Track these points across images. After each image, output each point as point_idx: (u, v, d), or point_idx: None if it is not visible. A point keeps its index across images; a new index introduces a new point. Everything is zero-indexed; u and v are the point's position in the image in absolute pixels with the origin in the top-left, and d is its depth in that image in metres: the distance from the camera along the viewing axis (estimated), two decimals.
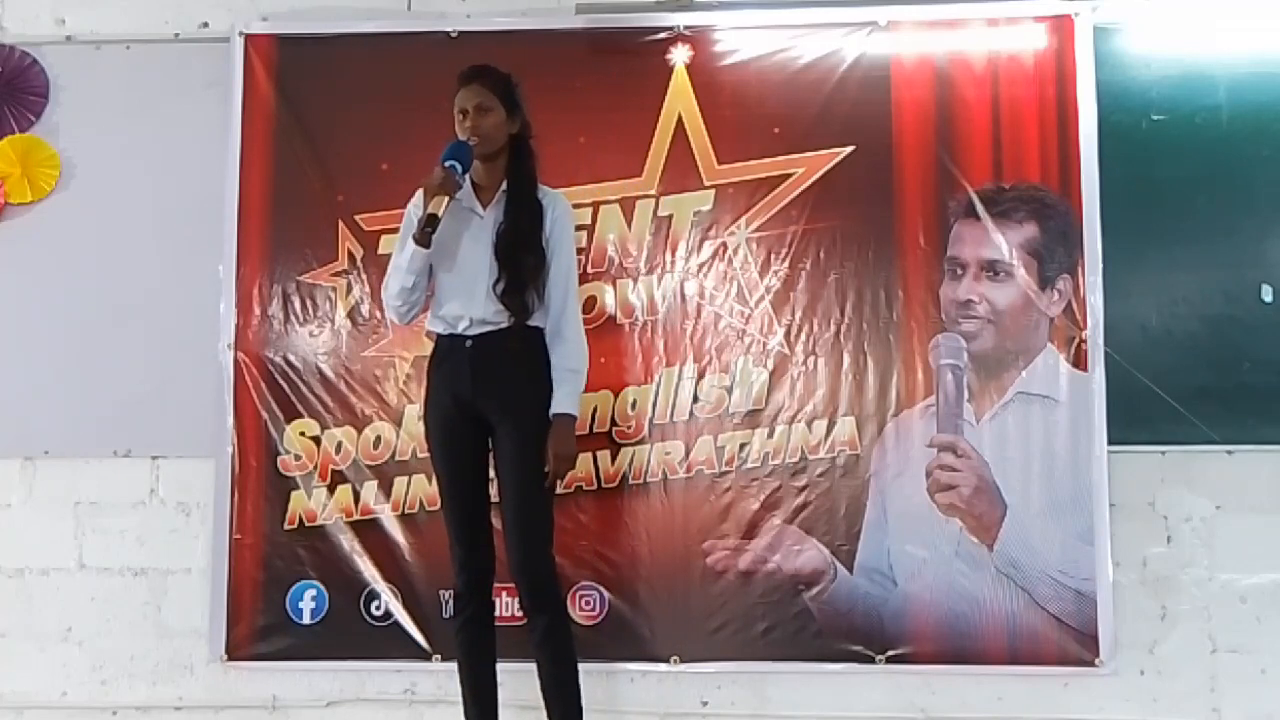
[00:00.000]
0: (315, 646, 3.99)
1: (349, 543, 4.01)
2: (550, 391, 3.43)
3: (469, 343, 3.45)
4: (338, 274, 4.09)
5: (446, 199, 3.37)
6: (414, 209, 3.51)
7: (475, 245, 3.46)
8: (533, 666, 3.49)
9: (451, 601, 3.61)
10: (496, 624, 3.55)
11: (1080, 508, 3.88)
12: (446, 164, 3.38)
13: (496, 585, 3.53)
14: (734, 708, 3.96)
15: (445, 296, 3.49)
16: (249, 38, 4.13)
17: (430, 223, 3.35)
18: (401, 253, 3.47)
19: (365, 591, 3.99)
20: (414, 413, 3.99)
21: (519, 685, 3.54)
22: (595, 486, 3.96)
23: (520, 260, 3.42)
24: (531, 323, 3.45)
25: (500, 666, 3.55)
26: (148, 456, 4.10)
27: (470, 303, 3.44)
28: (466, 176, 3.46)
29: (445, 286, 3.49)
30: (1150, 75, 4.01)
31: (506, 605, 3.68)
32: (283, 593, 4.00)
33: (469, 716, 3.51)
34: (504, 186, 3.49)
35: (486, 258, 3.44)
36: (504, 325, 3.43)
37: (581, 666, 3.50)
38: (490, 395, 3.43)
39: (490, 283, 3.42)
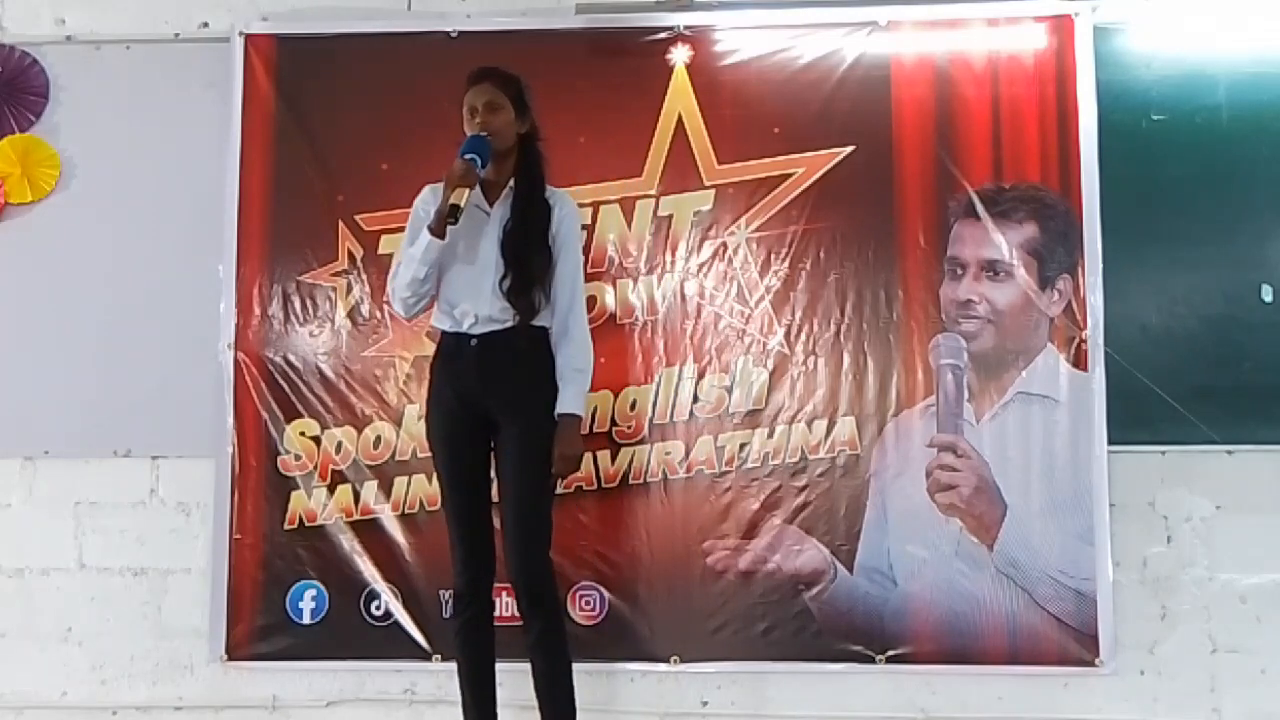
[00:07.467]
0: (315, 646, 3.99)
1: (349, 543, 4.01)
2: (555, 392, 3.43)
3: (474, 341, 3.44)
4: (338, 274, 4.09)
5: (468, 191, 3.36)
6: (421, 204, 3.52)
7: (482, 242, 3.46)
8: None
9: (451, 602, 3.60)
10: (495, 624, 3.54)
11: (1080, 508, 3.88)
12: (467, 157, 3.37)
13: (495, 585, 3.52)
14: (734, 708, 3.96)
15: (452, 292, 3.48)
16: (249, 38, 4.13)
17: (453, 214, 3.34)
18: (411, 246, 3.47)
19: (365, 591, 3.99)
20: (414, 413, 3.99)
21: (519, 685, 3.53)
22: (595, 486, 3.96)
23: (526, 259, 3.42)
24: (536, 322, 3.45)
25: (500, 666, 3.54)
26: (148, 456, 4.10)
27: (477, 300, 3.44)
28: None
29: (452, 283, 3.48)
30: (1150, 75, 4.01)
31: (506, 606, 3.65)
32: (283, 593, 4.00)
33: (468, 717, 3.51)
34: (511, 185, 3.49)
35: (493, 255, 3.44)
36: (509, 324, 3.43)
37: (581, 667, 3.51)
38: (496, 394, 3.43)
39: (496, 280, 3.42)
